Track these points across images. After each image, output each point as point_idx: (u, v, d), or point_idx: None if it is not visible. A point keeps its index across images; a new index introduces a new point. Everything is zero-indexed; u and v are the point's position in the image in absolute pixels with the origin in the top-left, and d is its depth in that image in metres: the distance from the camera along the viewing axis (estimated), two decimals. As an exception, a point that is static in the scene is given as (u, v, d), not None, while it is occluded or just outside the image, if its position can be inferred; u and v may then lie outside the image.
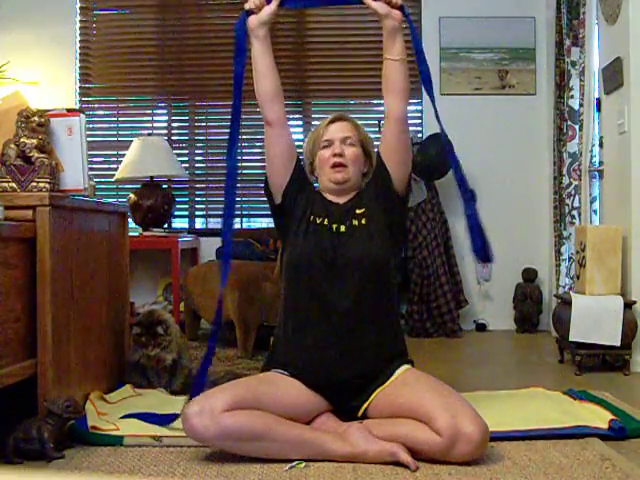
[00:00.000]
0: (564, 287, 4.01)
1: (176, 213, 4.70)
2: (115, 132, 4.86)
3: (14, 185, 2.19)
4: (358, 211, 2.19)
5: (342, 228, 2.16)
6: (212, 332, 2.17)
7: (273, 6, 2.06)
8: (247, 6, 2.06)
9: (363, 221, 2.17)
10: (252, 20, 2.08)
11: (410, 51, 2.12)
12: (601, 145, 3.67)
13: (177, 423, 2.03)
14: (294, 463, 1.88)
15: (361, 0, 2.06)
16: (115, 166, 4.64)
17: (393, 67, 2.10)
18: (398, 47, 2.09)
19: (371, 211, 2.19)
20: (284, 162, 2.20)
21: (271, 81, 2.14)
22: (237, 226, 4.84)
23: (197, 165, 4.88)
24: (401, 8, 2.06)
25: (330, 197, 2.25)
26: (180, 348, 2.72)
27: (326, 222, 2.17)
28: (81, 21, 4.80)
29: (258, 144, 4.73)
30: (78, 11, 4.79)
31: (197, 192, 4.87)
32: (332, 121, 2.22)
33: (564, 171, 4.02)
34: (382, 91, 2.16)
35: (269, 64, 2.13)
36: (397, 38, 2.08)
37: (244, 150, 4.80)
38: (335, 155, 2.18)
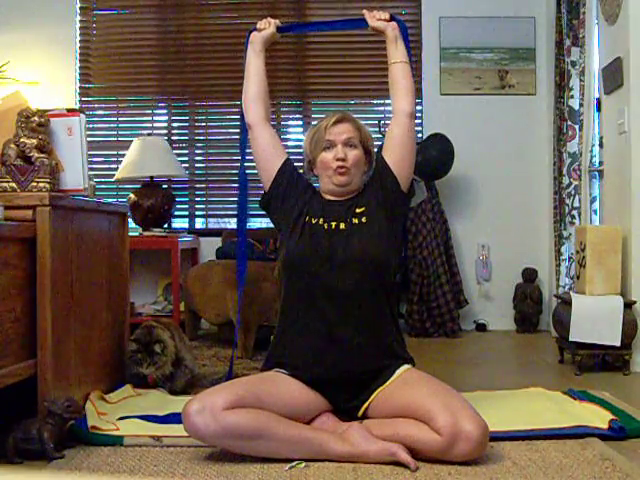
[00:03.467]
0: (564, 287, 4.01)
1: (176, 213, 4.70)
2: (115, 132, 4.86)
3: (14, 185, 2.19)
4: (358, 210, 2.20)
5: (342, 225, 2.16)
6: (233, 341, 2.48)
7: (273, 28, 2.37)
8: (258, 25, 2.38)
9: (363, 219, 2.17)
10: (255, 34, 2.37)
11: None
12: (601, 145, 3.67)
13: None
14: (294, 463, 1.88)
15: (355, 24, 2.49)
16: (115, 166, 4.64)
17: (399, 69, 2.28)
18: (399, 52, 2.30)
19: (372, 210, 2.20)
20: (267, 160, 2.29)
21: (257, 88, 2.32)
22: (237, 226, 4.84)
23: (197, 165, 4.88)
24: (392, 19, 2.32)
25: (329, 197, 2.26)
26: (181, 350, 2.71)
27: (321, 222, 2.18)
28: (81, 21, 4.80)
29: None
30: (78, 11, 4.78)
31: (197, 192, 4.87)
32: (334, 122, 2.22)
33: (564, 171, 4.02)
34: (390, 93, 2.30)
35: (258, 73, 2.33)
36: (398, 43, 2.30)
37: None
38: (338, 160, 2.18)
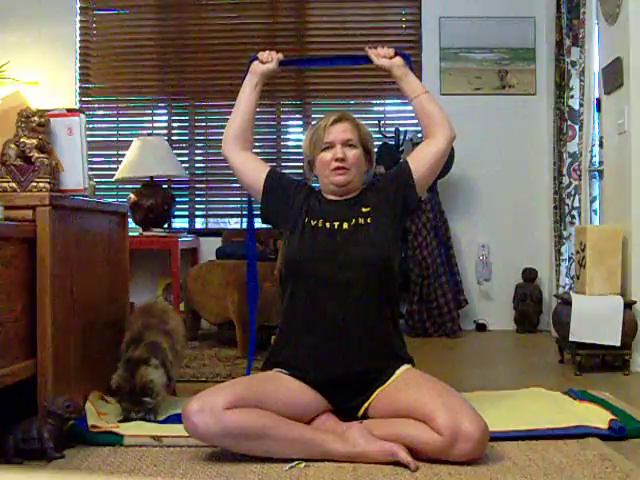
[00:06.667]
0: (564, 287, 4.01)
1: (176, 213, 4.70)
2: (115, 132, 4.86)
3: (14, 185, 2.18)
4: (364, 209, 2.20)
5: (345, 225, 2.16)
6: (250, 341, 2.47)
7: (274, 65, 2.32)
8: (259, 55, 2.33)
9: (369, 220, 2.17)
10: (256, 64, 2.33)
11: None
12: (601, 145, 3.67)
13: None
14: (294, 463, 1.88)
15: (359, 61, 2.41)
16: (115, 166, 4.64)
17: (424, 101, 2.28)
18: (415, 85, 2.30)
19: (378, 210, 2.20)
20: (249, 181, 2.32)
21: (241, 122, 2.31)
22: (237, 226, 4.85)
23: (197, 165, 4.88)
24: (397, 54, 2.30)
25: (331, 197, 2.26)
26: (171, 368, 2.37)
27: (321, 223, 2.17)
28: (81, 21, 4.80)
29: (258, 144, 4.72)
30: (78, 11, 4.79)
31: (197, 192, 4.87)
32: (333, 122, 2.22)
33: (564, 171, 4.01)
34: (423, 124, 2.28)
35: (248, 108, 2.32)
36: (410, 78, 2.30)
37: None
38: (337, 160, 2.18)
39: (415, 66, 2.40)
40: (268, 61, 2.32)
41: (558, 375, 3.16)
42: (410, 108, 2.33)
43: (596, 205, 3.81)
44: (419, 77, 4.57)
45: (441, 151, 2.24)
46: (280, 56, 2.34)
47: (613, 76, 3.38)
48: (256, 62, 2.34)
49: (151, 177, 4.41)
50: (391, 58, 2.29)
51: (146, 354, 2.29)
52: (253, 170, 2.30)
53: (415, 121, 4.56)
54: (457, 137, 2.23)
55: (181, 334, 2.53)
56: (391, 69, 2.29)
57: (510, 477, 1.79)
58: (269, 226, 2.41)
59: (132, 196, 4.36)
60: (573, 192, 3.93)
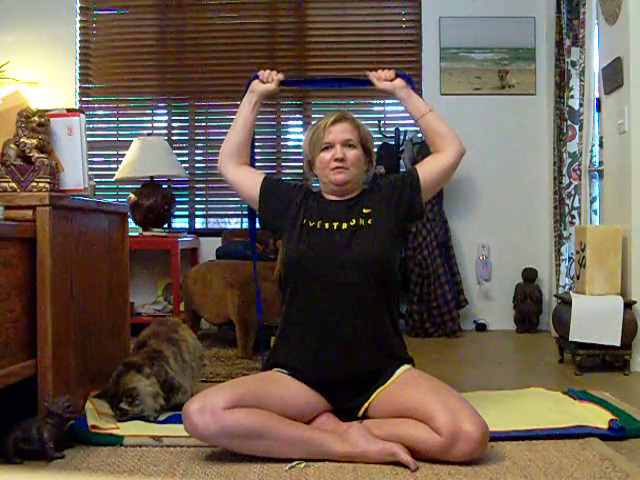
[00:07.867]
0: (564, 287, 4.01)
1: (176, 213, 4.70)
2: (115, 132, 4.86)
3: (14, 185, 2.19)
4: (365, 210, 2.20)
5: (344, 226, 2.16)
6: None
7: (274, 86, 2.32)
8: (260, 74, 2.33)
9: (369, 221, 2.17)
10: (256, 83, 2.33)
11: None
12: (601, 145, 3.67)
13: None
14: (294, 463, 1.88)
15: (361, 84, 2.43)
16: (115, 166, 4.64)
17: (430, 120, 2.27)
18: (419, 104, 2.30)
19: (380, 212, 2.20)
20: (245, 192, 2.36)
21: (238, 140, 2.32)
22: (237, 226, 4.85)
23: (197, 165, 4.88)
24: (397, 76, 2.31)
25: (331, 197, 2.26)
26: (175, 376, 2.38)
27: (319, 224, 2.18)
28: (81, 21, 4.80)
29: (258, 144, 4.71)
30: (78, 11, 4.78)
31: (197, 192, 4.87)
32: (333, 122, 2.22)
33: (564, 171, 4.02)
34: (431, 141, 2.28)
35: (245, 126, 2.32)
36: (413, 99, 2.30)
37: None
38: (336, 160, 2.18)
39: (415, 82, 2.41)
40: (268, 81, 2.32)
41: (558, 375, 3.16)
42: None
43: (596, 205, 3.81)
44: (419, 76, 4.60)
45: (451, 164, 2.25)
46: (280, 76, 2.33)
47: (613, 76, 3.38)
48: (256, 81, 2.34)
49: (151, 177, 4.41)
50: (392, 80, 2.29)
51: (142, 361, 2.31)
52: (249, 180, 2.32)
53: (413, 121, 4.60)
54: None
55: (191, 344, 2.55)
56: (394, 91, 2.30)
57: (510, 477, 1.79)
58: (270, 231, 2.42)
59: (132, 196, 4.36)
60: (573, 192, 3.93)
